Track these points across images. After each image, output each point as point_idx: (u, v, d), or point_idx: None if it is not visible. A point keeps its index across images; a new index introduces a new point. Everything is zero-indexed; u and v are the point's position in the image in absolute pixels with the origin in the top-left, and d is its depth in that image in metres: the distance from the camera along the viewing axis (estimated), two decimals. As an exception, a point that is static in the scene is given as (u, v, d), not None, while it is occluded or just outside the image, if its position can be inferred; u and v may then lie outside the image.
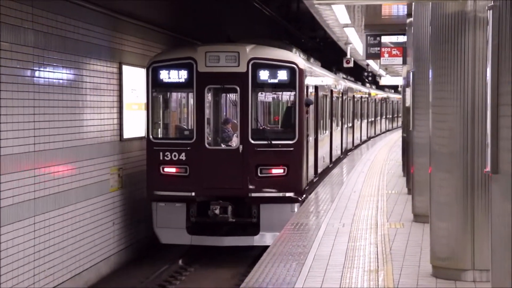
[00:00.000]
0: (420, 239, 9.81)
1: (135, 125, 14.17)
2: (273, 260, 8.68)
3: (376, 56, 19.05)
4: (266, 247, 10.05)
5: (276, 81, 13.81)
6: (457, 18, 7.27)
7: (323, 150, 18.44)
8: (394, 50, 18.23)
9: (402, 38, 18.03)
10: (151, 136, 13.61)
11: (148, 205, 13.85)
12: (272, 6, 22.53)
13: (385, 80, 39.77)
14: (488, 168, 4.39)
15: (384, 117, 45.44)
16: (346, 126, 24.87)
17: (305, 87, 14.30)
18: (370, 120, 36.25)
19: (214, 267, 13.79)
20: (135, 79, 14.11)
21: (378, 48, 18.61)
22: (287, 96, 14.74)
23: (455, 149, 7.36)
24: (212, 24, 19.82)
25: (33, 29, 10.24)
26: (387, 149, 28.23)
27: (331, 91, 20.30)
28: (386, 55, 18.29)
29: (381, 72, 36.52)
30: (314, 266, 8.38)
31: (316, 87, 16.58)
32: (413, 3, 11.88)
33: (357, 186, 15.85)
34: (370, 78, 34.90)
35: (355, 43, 22.52)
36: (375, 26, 18.40)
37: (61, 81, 11.18)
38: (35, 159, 10.29)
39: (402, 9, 15.42)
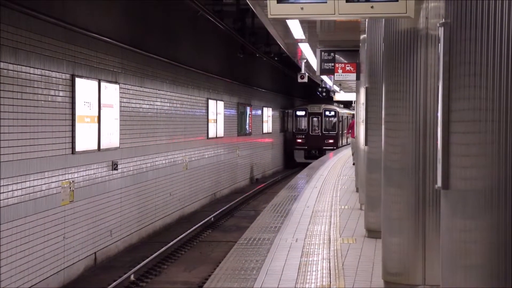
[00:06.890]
0: (372, 254, 9.85)
1: (89, 137, 13.98)
2: (225, 276, 8.62)
3: (330, 72, 19.11)
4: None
5: (330, 115, 43.79)
6: (410, 35, 7.33)
7: (343, 140, 46.23)
8: (347, 66, 18.31)
9: (356, 54, 18.13)
10: (293, 130, 43.84)
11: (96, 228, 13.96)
12: (227, 20, 22.51)
13: (339, 96, 40.03)
14: (439, 184, 4.41)
15: None
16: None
17: (339, 117, 44.35)
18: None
19: (167, 282, 13.72)
20: (88, 92, 13.94)
21: (332, 64, 18.69)
22: (333, 119, 43.80)
23: (407, 165, 7.39)
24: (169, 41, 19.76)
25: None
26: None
27: (347, 116, 47.62)
28: (340, 70, 18.36)
29: (335, 87, 36.74)
30: (267, 281, 8.35)
31: (341, 115, 44.97)
32: (367, 20, 11.96)
33: (310, 202, 15.88)
34: (324, 94, 35.12)
35: (309, 58, 22.62)
36: (329, 42, 18.50)
37: (12, 92, 11.02)
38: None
39: (356, 25, 15.51)
